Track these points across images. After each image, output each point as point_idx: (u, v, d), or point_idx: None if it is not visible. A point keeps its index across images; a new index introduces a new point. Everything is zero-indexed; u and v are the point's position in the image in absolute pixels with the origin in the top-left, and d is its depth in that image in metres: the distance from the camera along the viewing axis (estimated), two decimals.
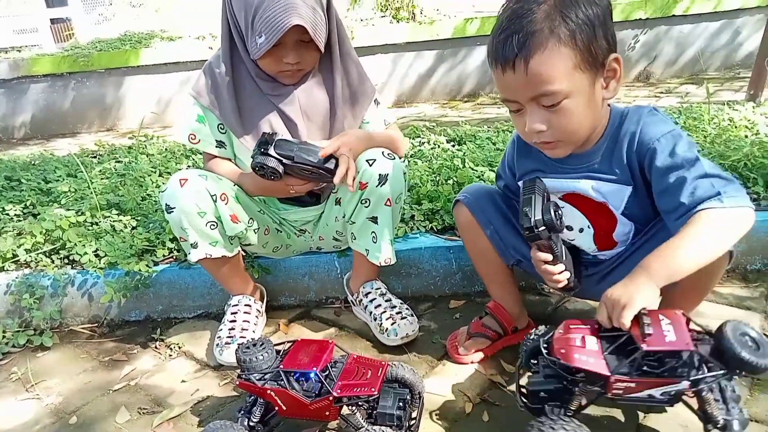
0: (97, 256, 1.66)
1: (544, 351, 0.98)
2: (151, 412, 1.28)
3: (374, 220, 1.37)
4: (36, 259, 1.70)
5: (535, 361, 1.04)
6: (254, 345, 1.10)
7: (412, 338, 1.43)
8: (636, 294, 0.91)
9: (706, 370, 0.89)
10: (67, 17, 7.25)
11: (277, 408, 1.06)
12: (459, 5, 4.98)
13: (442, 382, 1.29)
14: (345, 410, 1.06)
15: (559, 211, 1.10)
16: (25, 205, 2.17)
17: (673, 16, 4.36)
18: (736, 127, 2.22)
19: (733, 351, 0.87)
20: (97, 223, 1.84)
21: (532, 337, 1.08)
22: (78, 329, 1.66)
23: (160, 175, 2.22)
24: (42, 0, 7.31)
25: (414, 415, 1.07)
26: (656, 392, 0.91)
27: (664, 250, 0.94)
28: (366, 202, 1.35)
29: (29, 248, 1.72)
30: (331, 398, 1.01)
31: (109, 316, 1.66)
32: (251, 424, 1.07)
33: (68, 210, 1.88)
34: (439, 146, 2.41)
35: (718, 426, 0.92)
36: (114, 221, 1.81)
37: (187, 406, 1.28)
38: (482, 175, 1.89)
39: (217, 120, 1.45)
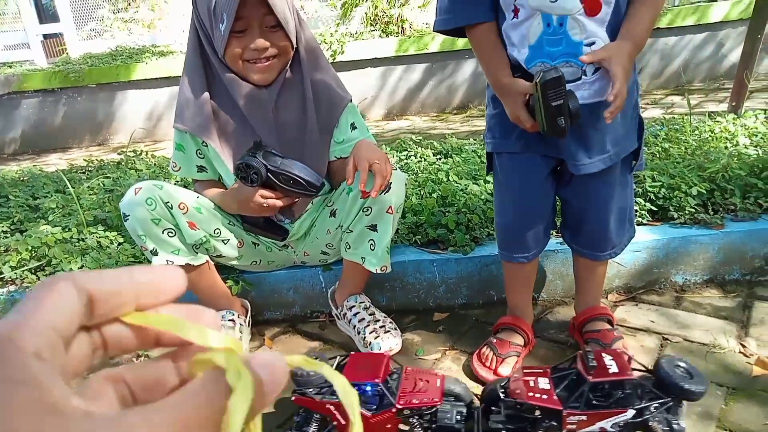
0: None
1: (502, 395, 1.05)
2: None
3: (373, 228, 1.39)
4: (21, 276, 1.71)
5: (495, 407, 1.07)
6: (322, 358, 1.09)
7: (396, 351, 1.44)
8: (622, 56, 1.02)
9: (649, 400, 0.97)
10: (59, 33, 7.28)
11: (335, 423, 1.04)
12: None
13: None
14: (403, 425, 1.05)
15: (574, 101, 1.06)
16: (13, 221, 2.17)
17: (659, 28, 4.43)
18: (716, 138, 2.26)
19: (672, 381, 0.95)
20: (83, 239, 1.85)
21: (490, 387, 1.13)
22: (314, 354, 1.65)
23: None
24: (34, 16, 7.35)
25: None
26: (607, 424, 0.97)
27: (633, 21, 1.06)
28: (368, 210, 1.37)
29: (14, 265, 1.72)
30: (393, 410, 1.00)
31: None
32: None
33: (55, 226, 1.89)
34: (425, 159, 2.43)
35: None
36: (100, 237, 1.82)
37: None
38: (466, 188, 1.91)
39: (194, 146, 1.47)
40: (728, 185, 1.75)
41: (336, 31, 4.62)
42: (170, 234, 1.38)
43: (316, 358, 0.25)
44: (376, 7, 5.00)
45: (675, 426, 0.97)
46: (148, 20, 7.01)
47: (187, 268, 1.44)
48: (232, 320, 1.52)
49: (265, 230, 1.51)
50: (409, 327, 1.58)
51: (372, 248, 1.41)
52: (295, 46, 1.37)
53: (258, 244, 1.56)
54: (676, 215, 1.68)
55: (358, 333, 1.47)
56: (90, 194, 2.28)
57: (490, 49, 1.17)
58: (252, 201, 1.38)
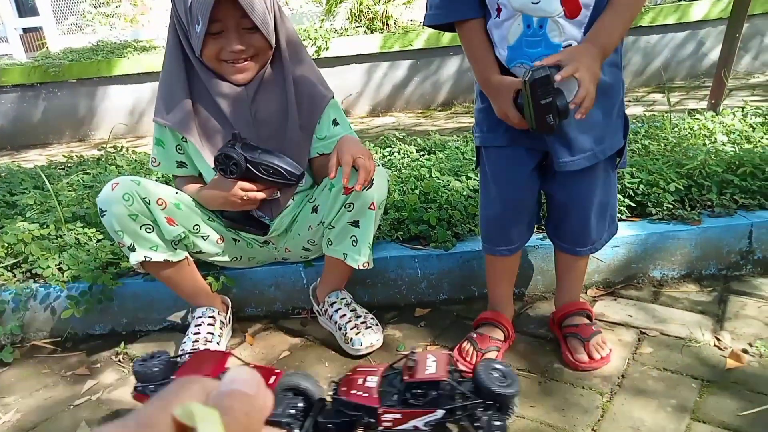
0: (60, 269, 1.65)
1: (332, 392, 1.09)
2: None
3: (355, 224, 1.39)
4: None
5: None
6: (151, 357, 1.15)
7: (377, 347, 1.45)
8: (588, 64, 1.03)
9: (461, 401, 1.02)
10: (39, 27, 7.17)
11: None
12: None
13: None
14: None
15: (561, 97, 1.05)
16: None
17: (641, 26, 4.48)
18: (695, 135, 2.29)
19: (484, 384, 1.01)
20: (61, 236, 1.82)
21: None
22: (40, 344, 1.64)
23: None
24: (13, 9, 7.21)
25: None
26: (420, 423, 1.03)
27: (602, 25, 1.08)
28: (350, 206, 1.37)
29: None
30: None
31: (72, 329, 1.64)
32: None
33: (32, 223, 1.85)
34: (408, 156, 2.43)
35: None
36: (79, 234, 1.79)
37: None
38: (448, 185, 1.92)
39: (174, 141, 1.47)
40: (705, 181, 1.78)
41: (320, 27, 4.60)
42: (148, 230, 1.37)
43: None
44: (361, 3, 4.99)
45: (496, 423, 1.02)
46: (130, 15, 6.92)
47: (166, 264, 1.43)
48: (212, 317, 1.51)
49: (245, 225, 1.51)
50: (390, 322, 1.59)
51: (354, 244, 1.41)
52: (274, 45, 1.37)
53: (239, 240, 1.55)
54: (654, 211, 1.70)
55: (339, 329, 1.47)
56: (69, 191, 2.24)
57: (478, 46, 1.18)
58: (232, 194, 1.37)
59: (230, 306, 1.61)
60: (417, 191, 1.89)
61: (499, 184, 1.30)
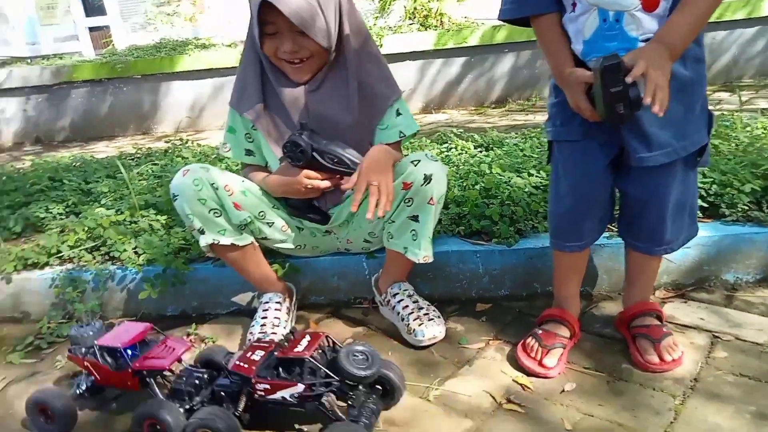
0: (136, 253, 1.73)
1: (230, 365, 1.17)
2: None
3: (415, 218, 1.40)
4: (78, 255, 1.78)
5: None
6: (87, 325, 1.30)
7: (439, 339, 1.46)
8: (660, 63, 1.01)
9: (321, 378, 1.11)
10: (106, 25, 7.51)
11: (93, 378, 1.26)
12: (487, 13, 5.00)
13: (468, 382, 1.31)
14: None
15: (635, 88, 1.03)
16: (67, 204, 2.26)
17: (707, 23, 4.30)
18: None
19: (341, 365, 1.09)
20: (135, 222, 1.91)
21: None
22: (116, 323, 1.72)
23: None
24: (81, 9, 7.59)
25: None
26: (286, 394, 1.12)
27: (672, 23, 1.05)
28: (409, 201, 1.38)
29: (72, 245, 1.80)
30: (129, 371, 1.20)
31: (146, 310, 1.72)
32: (78, 392, 1.27)
33: (109, 209, 1.96)
34: (466, 152, 2.43)
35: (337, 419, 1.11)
36: (151, 221, 1.88)
37: None
38: (509, 181, 1.90)
39: (244, 129, 1.54)
40: None
41: (375, 24, 4.64)
42: (216, 214, 1.43)
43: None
44: (415, 0, 5.00)
45: (372, 403, 1.13)
46: (189, 14, 7.16)
47: (233, 248, 1.48)
48: (279, 303, 1.56)
49: (307, 214, 1.54)
50: (451, 316, 1.59)
51: (414, 238, 1.43)
52: (331, 47, 1.40)
53: (302, 229, 1.59)
54: (728, 212, 1.64)
55: (402, 320, 1.49)
56: (140, 180, 2.35)
57: (553, 40, 1.18)
58: (297, 181, 1.42)
59: (295, 293, 1.65)
60: (477, 187, 1.88)
61: (571, 178, 1.28)
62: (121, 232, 1.81)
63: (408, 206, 1.39)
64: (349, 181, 1.32)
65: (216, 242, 1.44)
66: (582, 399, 1.22)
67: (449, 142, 2.62)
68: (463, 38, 4.51)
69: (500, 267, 1.64)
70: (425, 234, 1.41)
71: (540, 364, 1.30)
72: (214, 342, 1.57)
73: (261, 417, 1.19)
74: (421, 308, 1.50)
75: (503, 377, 1.32)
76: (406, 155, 1.45)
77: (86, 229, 1.83)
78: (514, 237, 1.65)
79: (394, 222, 1.44)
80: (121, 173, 2.52)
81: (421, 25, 4.92)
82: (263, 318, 1.52)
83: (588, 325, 1.48)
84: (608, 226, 1.42)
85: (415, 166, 1.35)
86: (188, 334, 1.63)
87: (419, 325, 1.45)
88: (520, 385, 1.28)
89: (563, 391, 1.25)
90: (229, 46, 4.98)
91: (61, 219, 2.11)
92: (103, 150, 4.22)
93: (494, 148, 2.47)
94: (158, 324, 1.69)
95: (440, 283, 1.67)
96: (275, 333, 1.47)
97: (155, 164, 2.60)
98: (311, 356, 1.11)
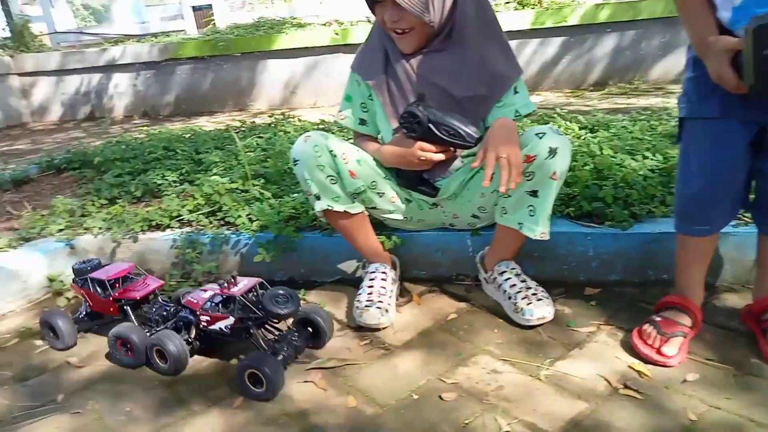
0: (249, 219, 1.82)
1: (183, 299, 1.44)
2: (300, 362, 1.40)
3: (534, 193, 1.38)
4: (197, 219, 1.90)
5: None
6: (88, 262, 1.59)
7: (547, 320, 1.43)
8: None
9: (247, 312, 1.32)
10: (209, 4, 7.88)
11: (88, 303, 1.56)
12: None
13: (580, 365, 1.28)
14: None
15: None
16: (181, 172, 2.42)
17: None
18: None
19: (264, 303, 1.28)
20: (247, 191, 2.01)
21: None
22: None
23: None
24: None
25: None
26: (222, 325, 1.36)
27: None
28: (530, 175, 1.35)
29: (191, 209, 1.92)
30: (111, 299, 1.50)
31: (257, 274, 1.81)
32: (80, 316, 1.58)
33: (223, 177, 2.07)
34: (571, 133, 2.35)
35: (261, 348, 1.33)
36: (262, 190, 1.97)
37: (336, 360, 1.39)
38: (622, 163, 1.82)
39: (361, 98, 1.57)
40: None
41: None
42: (332, 181, 1.47)
43: None
44: None
45: (292, 343, 1.36)
46: None
47: (345, 215, 1.53)
48: (385, 273, 1.59)
49: (416, 185, 1.56)
50: (557, 298, 1.56)
51: (531, 214, 1.40)
52: (433, 22, 1.38)
53: (411, 201, 1.61)
54: None
55: (509, 298, 1.48)
56: (247, 152, 2.46)
57: (695, 5, 1.10)
58: (411, 153, 1.43)
59: (399, 266, 1.68)
60: (587, 167, 1.82)
61: (703, 158, 1.21)
62: (235, 200, 1.91)
63: (528, 180, 1.36)
64: (477, 157, 1.32)
65: (330, 208, 1.49)
66: (706, 391, 1.16)
67: (552, 122, 2.54)
68: (563, 17, 4.33)
69: (612, 251, 1.58)
70: (544, 210, 1.38)
71: (658, 352, 1.25)
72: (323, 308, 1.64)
73: (209, 347, 1.45)
74: (529, 288, 1.48)
75: (618, 362, 1.28)
76: (522, 132, 1.42)
77: (204, 194, 1.95)
78: (628, 221, 1.58)
79: (510, 197, 1.42)
80: (229, 145, 2.66)
81: (518, 3, 4.77)
82: (369, 287, 1.55)
83: (710, 317, 1.40)
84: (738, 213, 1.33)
85: (540, 138, 1.32)
86: None
87: (527, 304, 1.43)
88: (637, 371, 1.24)
89: (685, 381, 1.20)
90: (324, 25, 5.07)
91: (176, 186, 2.26)
92: (204, 124, 4.45)
93: (600, 130, 2.37)
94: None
95: (547, 264, 1.63)
96: (381, 302, 1.51)
97: (260, 137, 2.71)
98: (242, 295, 1.31)
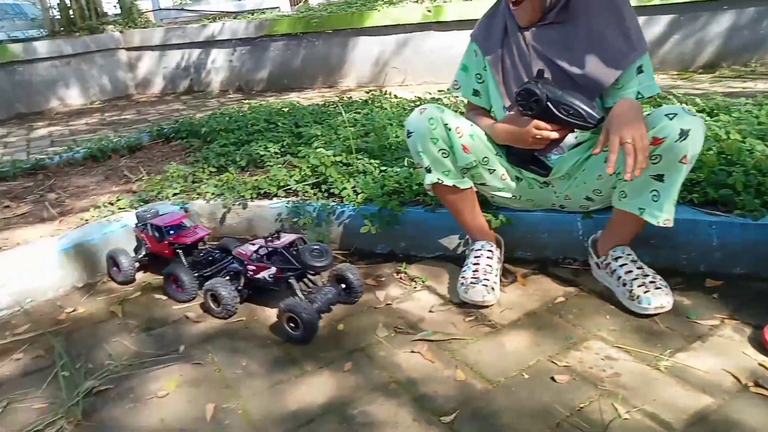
0: (354, 192, 1.86)
1: (234, 251, 1.64)
2: (405, 332, 1.42)
3: (659, 177, 1.31)
4: (303, 189, 1.96)
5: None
6: (150, 210, 1.84)
7: (666, 310, 1.37)
8: None
9: (287, 264, 1.49)
10: None
11: (147, 245, 1.81)
12: None
13: (703, 359, 1.22)
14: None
15: None
16: (282, 144, 2.50)
17: None
18: None
19: (301, 256, 1.44)
20: (349, 164, 2.05)
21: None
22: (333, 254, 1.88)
23: (400, 126, 2.38)
24: None
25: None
26: (266, 274, 1.52)
27: None
28: (656, 158, 1.28)
29: (298, 179, 1.98)
30: (166, 242, 1.75)
31: (359, 245, 1.85)
32: (140, 256, 1.84)
33: (327, 150, 2.11)
34: None
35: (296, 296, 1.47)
36: (365, 164, 2.00)
37: (441, 334, 1.40)
38: (753, 148, 1.69)
39: (476, 69, 1.56)
40: None
41: None
42: (444, 154, 1.46)
43: None
44: None
45: (325, 295, 1.49)
46: None
47: (454, 189, 1.52)
48: (491, 251, 1.57)
49: (528, 164, 1.52)
50: (675, 288, 1.47)
51: (655, 199, 1.33)
52: None
53: (521, 179, 1.58)
54: None
55: (624, 284, 1.42)
56: (345, 126, 2.50)
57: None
58: (526, 131, 1.39)
59: (503, 245, 1.66)
60: (711, 152, 1.70)
61: None
62: (339, 172, 1.95)
63: (654, 164, 1.29)
64: (599, 142, 1.27)
65: (440, 182, 1.49)
66: None
67: (665, 103, 2.39)
68: None
69: (739, 242, 1.47)
70: (670, 195, 1.31)
71: None
72: (424, 282, 1.65)
73: (256, 295, 1.63)
74: (647, 275, 1.41)
75: (746, 359, 1.21)
76: (650, 112, 1.35)
77: (310, 166, 2.00)
78: (760, 210, 1.47)
79: (631, 180, 1.35)
80: (328, 120, 2.71)
81: None
82: (475, 264, 1.55)
83: None
84: None
85: (670, 119, 1.25)
86: (398, 272, 1.72)
87: (644, 292, 1.37)
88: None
89: None
90: (416, 2, 5.02)
91: (278, 158, 2.34)
92: (297, 100, 4.56)
93: (720, 114, 2.20)
94: (368, 260, 1.83)
95: (664, 252, 1.55)
96: (487, 279, 1.50)
97: (357, 113, 2.74)
98: (283, 248, 1.48)
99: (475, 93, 1.58)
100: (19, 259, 1.73)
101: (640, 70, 1.41)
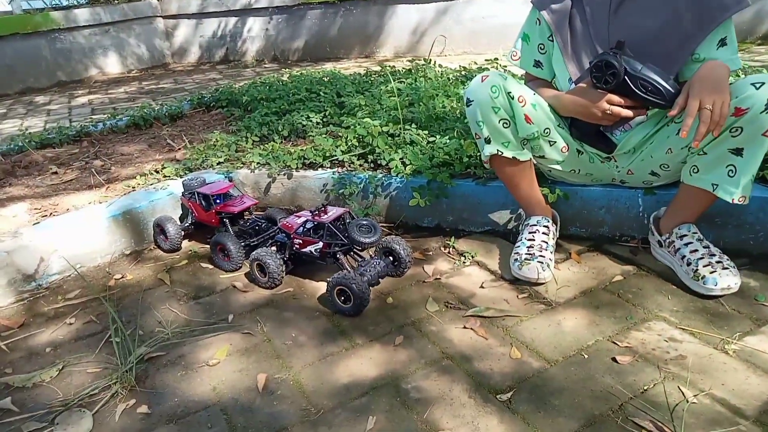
0: (403, 163, 1.81)
1: (280, 223, 1.64)
2: (456, 308, 1.39)
3: (738, 152, 1.23)
4: (349, 159, 1.92)
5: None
6: (194, 179, 1.83)
7: (732, 291, 1.30)
8: None
9: (335, 239, 1.48)
10: None
11: (193, 213, 1.82)
12: None
13: None
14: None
15: None
16: (324, 114, 2.46)
17: None
18: None
19: (349, 232, 1.43)
20: (396, 135, 2.00)
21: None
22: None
23: (447, 96, 2.31)
24: None
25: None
26: (312, 248, 1.51)
27: None
28: (736, 131, 1.20)
29: (344, 150, 1.95)
30: (213, 211, 1.75)
31: (405, 218, 1.82)
32: (186, 224, 1.84)
33: (374, 120, 2.07)
34: None
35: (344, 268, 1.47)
36: (413, 134, 1.95)
37: (494, 311, 1.36)
38: None
39: (539, 39, 1.48)
40: None
41: None
42: (505, 125, 1.41)
43: None
44: None
45: (374, 268, 1.47)
46: None
47: (513, 162, 1.46)
48: (547, 227, 1.52)
49: (591, 139, 1.45)
50: (742, 270, 1.40)
51: (731, 174, 1.25)
52: None
53: (582, 153, 1.51)
54: None
55: (688, 264, 1.36)
56: (390, 96, 2.44)
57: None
58: (597, 105, 1.32)
59: (558, 221, 1.60)
60: None
61: None
62: (386, 143, 1.90)
63: (733, 137, 1.21)
64: (676, 104, 1.19)
65: (499, 153, 1.43)
66: None
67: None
68: None
69: None
70: (748, 171, 1.23)
71: None
72: (473, 257, 1.61)
73: (300, 266, 1.64)
74: (713, 255, 1.35)
75: None
76: (735, 80, 1.26)
77: (357, 136, 1.96)
78: None
79: (705, 154, 1.28)
80: (370, 90, 2.65)
81: None
82: (530, 240, 1.50)
83: None
84: None
85: (757, 89, 1.16)
86: (446, 246, 1.69)
87: (711, 272, 1.31)
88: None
89: None
90: None
91: (320, 128, 2.30)
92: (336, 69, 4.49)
93: None
94: (414, 233, 1.79)
95: (729, 231, 1.48)
96: (543, 256, 1.45)
97: (401, 82, 2.68)
98: (330, 223, 1.46)
99: (537, 64, 1.50)
100: (69, 225, 1.75)
101: (722, 43, 1.31)
